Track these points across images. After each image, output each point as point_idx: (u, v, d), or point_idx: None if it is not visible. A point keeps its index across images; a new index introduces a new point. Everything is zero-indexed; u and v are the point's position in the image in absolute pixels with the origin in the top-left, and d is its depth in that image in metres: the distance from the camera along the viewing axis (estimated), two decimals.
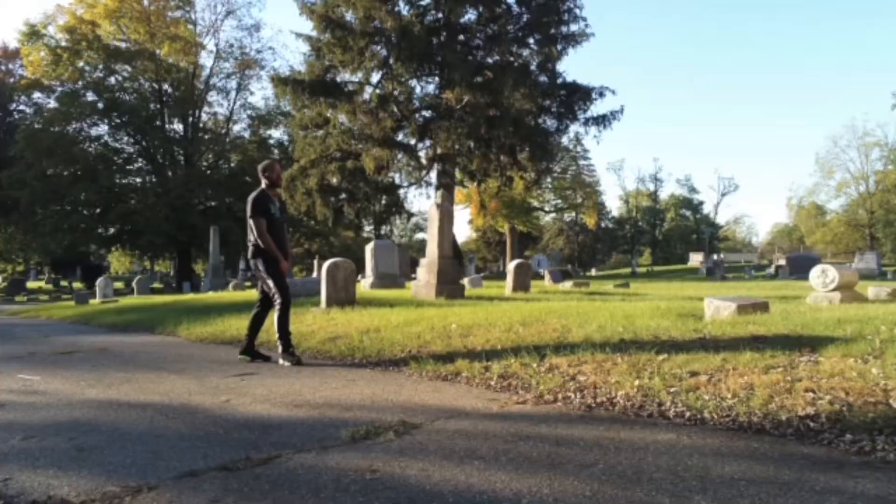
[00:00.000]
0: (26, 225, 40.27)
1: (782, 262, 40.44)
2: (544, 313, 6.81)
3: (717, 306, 6.26)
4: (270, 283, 5.91)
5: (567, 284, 16.33)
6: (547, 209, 59.87)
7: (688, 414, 3.43)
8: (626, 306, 7.29)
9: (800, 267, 31.86)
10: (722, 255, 59.82)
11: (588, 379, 4.22)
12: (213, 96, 42.94)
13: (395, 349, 5.91)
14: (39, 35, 38.39)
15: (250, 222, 5.87)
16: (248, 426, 3.50)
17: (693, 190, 79.96)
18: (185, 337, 8.65)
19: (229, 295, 15.72)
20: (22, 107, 43.46)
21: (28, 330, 11.44)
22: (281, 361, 5.81)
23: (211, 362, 6.10)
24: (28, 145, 35.39)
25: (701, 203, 79.72)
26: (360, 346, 6.18)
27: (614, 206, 78.50)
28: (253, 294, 15.10)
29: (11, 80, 42.96)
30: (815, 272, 8.58)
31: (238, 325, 8.41)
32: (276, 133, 42.66)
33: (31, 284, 52.62)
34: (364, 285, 15.05)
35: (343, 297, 9.13)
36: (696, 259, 58.76)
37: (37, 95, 40.48)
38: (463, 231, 64.84)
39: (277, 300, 5.88)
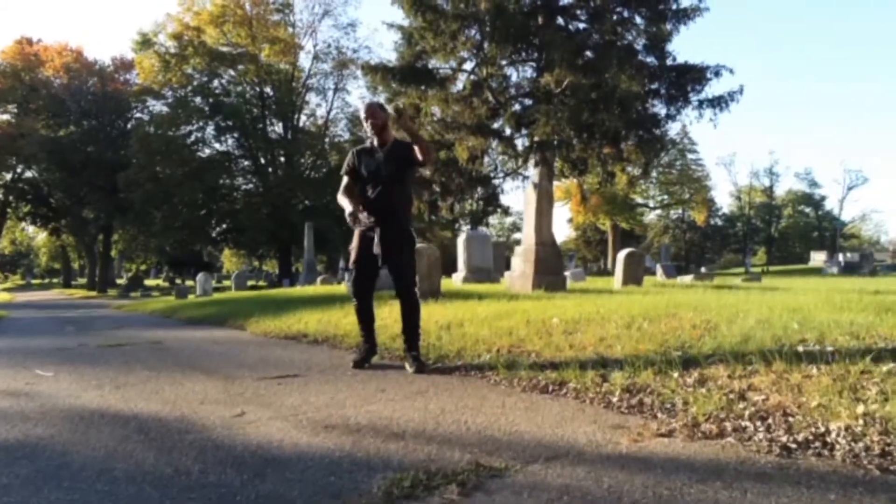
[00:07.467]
0: (141, 224, 42.32)
1: None
2: (673, 306, 5.27)
3: None
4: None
5: (686, 279, 14.38)
6: (652, 205, 56.55)
7: None
8: (783, 298, 5.61)
9: None
10: (849, 255, 54.15)
11: (768, 400, 2.72)
12: (311, 97, 43.31)
13: (480, 348, 4.59)
14: (150, 43, 40.08)
15: None
16: (242, 461, 2.29)
17: (814, 184, 72.88)
18: (250, 331, 7.74)
19: (313, 289, 15.02)
20: (138, 114, 45.70)
21: (108, 322, 11.08)
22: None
23: (258, 361, 5.04)
24: (141, 148, 36.95)
25: (823, 198, 72.74)
26: (436, 344, 4.91)
27: (725, 202, 73.05)
28: (338, 288, 14.37)
29: (128, 88, 45.22)
30: None
31: (307, 319, 7.43)
32: None
33: (149, 282, 55.75)
34: (455, 280, 13.88)
35: (425, 287, 7.92)
36: (817, 258, 53.45)
37: (150, 102, 42.37)
38: (562, 230, 62.33)
39: None
